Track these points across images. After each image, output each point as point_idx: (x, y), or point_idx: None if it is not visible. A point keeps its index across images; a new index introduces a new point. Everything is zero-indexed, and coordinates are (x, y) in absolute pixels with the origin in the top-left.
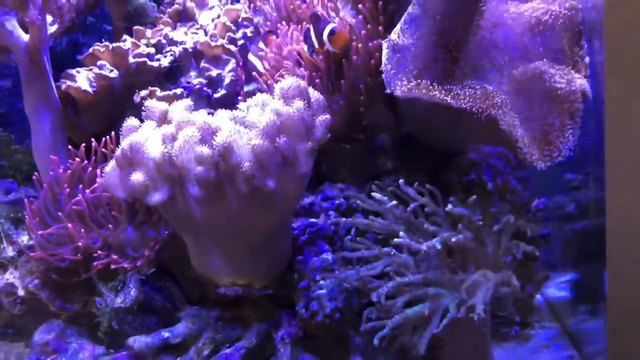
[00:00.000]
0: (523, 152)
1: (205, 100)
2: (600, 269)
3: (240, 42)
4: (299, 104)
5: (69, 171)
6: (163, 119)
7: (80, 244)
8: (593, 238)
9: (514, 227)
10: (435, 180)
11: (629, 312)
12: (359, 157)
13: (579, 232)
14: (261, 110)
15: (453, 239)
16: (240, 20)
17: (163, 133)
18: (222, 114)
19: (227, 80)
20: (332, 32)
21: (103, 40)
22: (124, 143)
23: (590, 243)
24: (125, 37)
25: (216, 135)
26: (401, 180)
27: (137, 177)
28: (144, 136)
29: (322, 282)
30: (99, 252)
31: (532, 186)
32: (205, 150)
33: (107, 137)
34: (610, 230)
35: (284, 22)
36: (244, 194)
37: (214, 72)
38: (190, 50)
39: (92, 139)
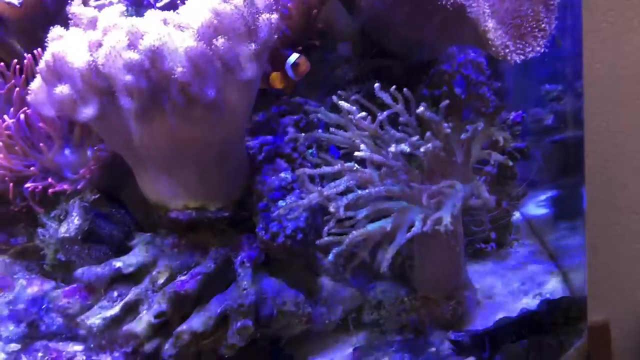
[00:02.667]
0: (495, 44)
1: (146, 9)
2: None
3: None
4: (238, 0)
5: None
6: (92, 27)
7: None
8: (573, 151)
9: (484, 136)
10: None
11: (607, 226)
12: (317, 67)
13: (559, 146)
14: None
15: (422, 149)
16: None
17: (89, 40)
18: (153, 15)
19: None
20: (295, 64)
21: None
22: (47, 54)
23: (571, 157)
24: None
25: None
26: (377, 85)
27: (62, 89)
28: (69, 45)
29: (281, 202)
30: (34, 176)
31: (509, 99)
32: (133, 55)
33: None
34: (588, 142)
35: None
36: (181, 106)
37: None
38: None
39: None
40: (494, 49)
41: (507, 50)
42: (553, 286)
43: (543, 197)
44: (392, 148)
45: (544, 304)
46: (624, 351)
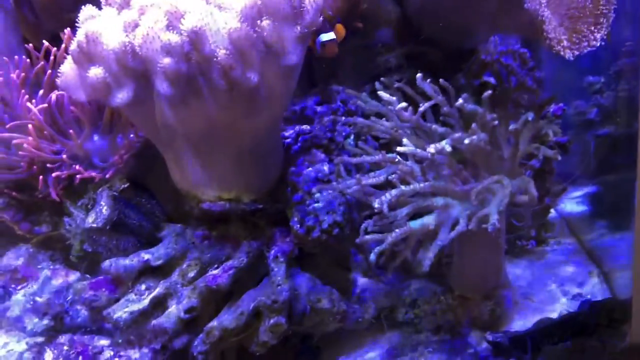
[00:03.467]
0: (549, 37)
1: None
2: (624, 179)
3: None
4: None
5: (23, 74)
6: (126, 7)
7: (29, 151)
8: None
9: (533, 128)
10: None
11: None
12: (358, 53)
13: (602, 140)
14: None
15: (466, 141)
16: None
17: (124, 20)
18: None
19: None
20: (323, 43)
21: None
22: (79, 34)
23: (618, 152)
24: None
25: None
26: (419, 75)
27: (96, 72)
28: (103, 25)
29: (318, 194)
30: (61, 163)
31: (549, 90)
32: (173, 37)
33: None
34: None
35: None
36: (222, 91)
37: None
38: None
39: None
40: (548, 41)
41: (562, 45)
42: (593, 287)
43: (577, 193)
44: (432, 149)
45: (586, 305)
46: None
